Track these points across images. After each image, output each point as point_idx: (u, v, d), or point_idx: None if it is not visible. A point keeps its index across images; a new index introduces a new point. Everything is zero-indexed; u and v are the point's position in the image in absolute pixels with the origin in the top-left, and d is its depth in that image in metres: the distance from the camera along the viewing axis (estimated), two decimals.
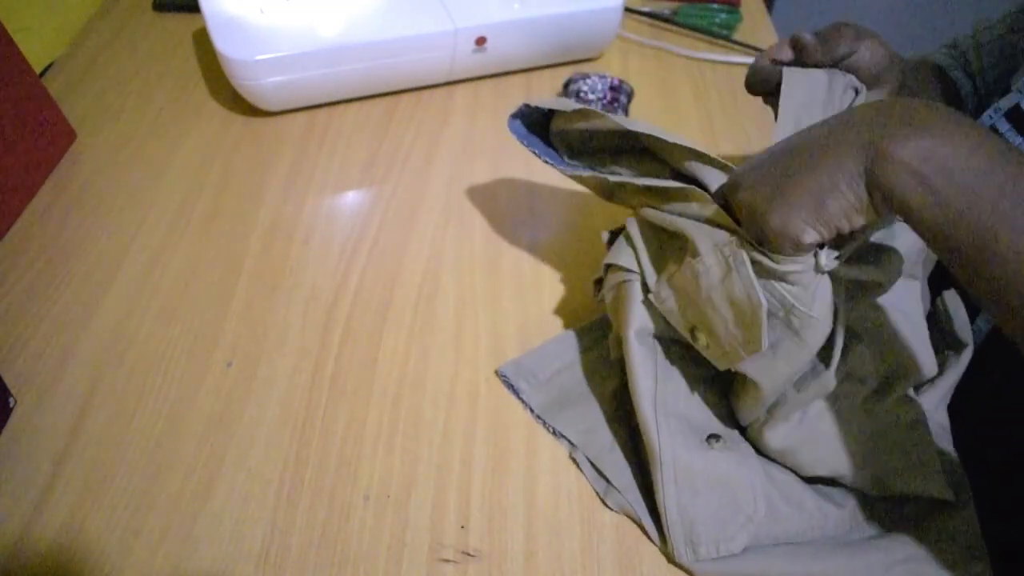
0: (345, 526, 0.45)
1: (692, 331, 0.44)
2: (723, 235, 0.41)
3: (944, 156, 0.32)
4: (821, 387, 0.42)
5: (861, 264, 0.42)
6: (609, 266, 0.50)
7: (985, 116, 0.54)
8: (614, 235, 0.53)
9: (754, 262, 0.39)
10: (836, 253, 0.39)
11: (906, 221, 0.34)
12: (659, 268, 0.46)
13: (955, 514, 0.46)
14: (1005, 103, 0.53)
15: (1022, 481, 0.50)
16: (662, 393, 0.46)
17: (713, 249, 0.40)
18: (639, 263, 0.47)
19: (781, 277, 0.39)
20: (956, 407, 0.51)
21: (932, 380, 0.50)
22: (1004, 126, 0.52)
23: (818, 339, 0.41)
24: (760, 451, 0.47)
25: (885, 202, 0.34)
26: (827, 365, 0.42)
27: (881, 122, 0.34)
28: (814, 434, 0.45)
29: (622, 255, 0.48)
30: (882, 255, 0.43)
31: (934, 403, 0.50)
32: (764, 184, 0.37)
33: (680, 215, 0.44)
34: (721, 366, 0.44)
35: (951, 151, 0.32)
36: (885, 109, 0.35)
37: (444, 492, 0.47)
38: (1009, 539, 0.47)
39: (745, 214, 0.39)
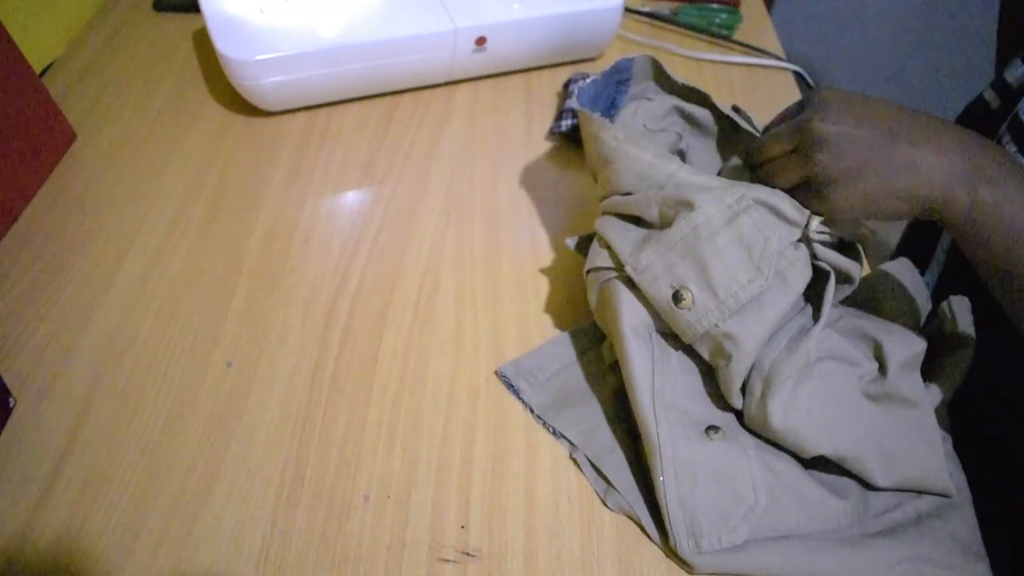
0: (345, 526, 0.45)
1: (676, 294, 0.45)
2: (722, 187, 0.44)
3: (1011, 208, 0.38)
4: (808, 346, 0.44)
5: (839, 253, 0.46)
6: (589, 272, 0.50)
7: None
8: (582, 241, 0.56)
9: (765, 206, 0.43)
10: (824, 228, 0.44)
11: (961, 240, 0.40)
12: (638, 243, 0.48)
13: (955, 514, 0.46)
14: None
15: (1021, 481, 0.50)
16: (660, 386, 0.46)
17: (713, 200, 0.44)
18: (615, 256, 0.48)
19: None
20: (954, 407, 0.51)
21: (932, 379, 0.50)
22: (1005, 138, 0.53)
23: (801, 282, 0.44)
24: (763, 436, 0.47)
25: (946, 226, 0.40)
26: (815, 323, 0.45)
27: (969, 168, 0.38)
28: (812, 412, 0.45)
29: (598, 257, 0.50)
30: (853, 251, 0.47)
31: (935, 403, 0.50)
32: (848, 158, 0.40)
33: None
34: (706, 324, 0.45)
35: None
36: (973, 155, 0.39)
37: (444, 492, 0.47)
38: (1009, 539, 0.47)
39: (810, 167, 0.41)
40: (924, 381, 0.50)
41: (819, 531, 0.45)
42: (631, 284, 0.48)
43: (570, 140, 0.74)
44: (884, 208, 0.41)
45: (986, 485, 0.49)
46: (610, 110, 0.58)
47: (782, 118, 0.46)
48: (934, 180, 0.39)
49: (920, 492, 0.47)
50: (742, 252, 0.43)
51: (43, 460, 0.47)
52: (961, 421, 0.51)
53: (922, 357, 0.47)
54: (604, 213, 0.51)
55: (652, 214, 0.47)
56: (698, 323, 0.45)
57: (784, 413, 0.44)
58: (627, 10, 0.89)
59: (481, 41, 0.75)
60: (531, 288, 0.60)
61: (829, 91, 0.42)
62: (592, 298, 0.51)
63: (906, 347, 0.47)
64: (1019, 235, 0.38)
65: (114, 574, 0.43)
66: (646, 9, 0.91)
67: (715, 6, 0.91)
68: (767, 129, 0.47)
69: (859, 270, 0.47)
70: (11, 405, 0.49)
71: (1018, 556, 0.46)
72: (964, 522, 0.46)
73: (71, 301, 0.56)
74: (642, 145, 0.49)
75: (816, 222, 0.44)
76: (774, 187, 0.45)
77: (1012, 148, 0.51)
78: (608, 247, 0.49)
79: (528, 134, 0.75)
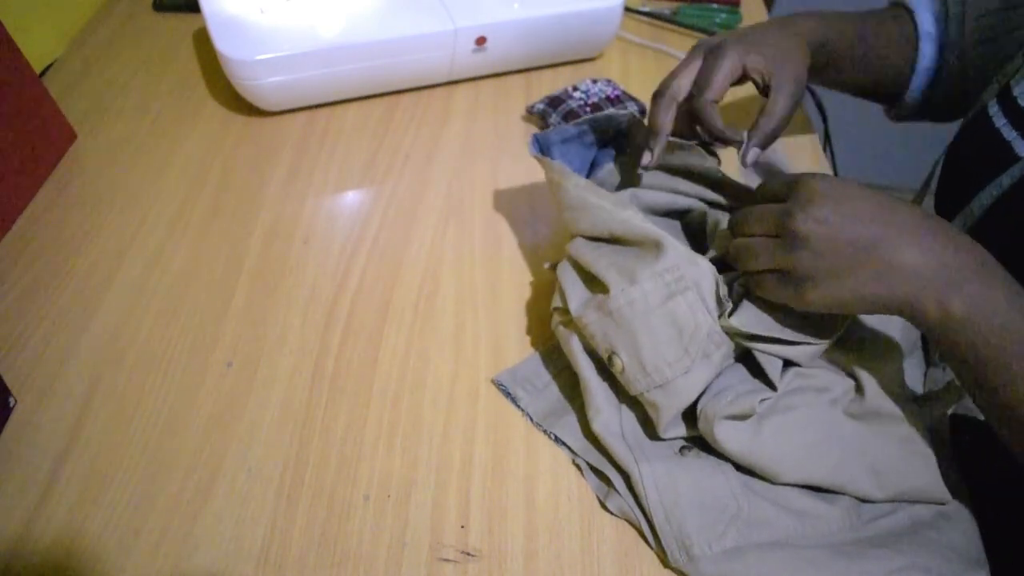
0: (345, 526, 0.45)
1: (609, 356, 0.47)
2: (666, 264, 0.44)
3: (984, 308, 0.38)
4: (752, 403, 0.45)
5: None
6: (554, 310, 0.52)
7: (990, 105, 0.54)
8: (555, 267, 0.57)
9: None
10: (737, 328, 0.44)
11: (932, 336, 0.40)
12: (587, 299, 0.49)
13: (953, 524, 0.46)
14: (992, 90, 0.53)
15: (1021, 487, 0.50)
16: (626, 423, 0.49)
17: (654, 276, 0.44)
18: (566, 307, 0.49)
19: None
20: (956, 414, 0.51)
21: (938, 390, 0.50)
22: (994, 108, 0.53)
23: (724, 360, 0.45)
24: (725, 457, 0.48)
25: (917, 323, 0.40)
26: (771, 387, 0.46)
27: (944, 277, 0.39)
28: (777, 446, 0.46)
29: (558, 298, 0.51)
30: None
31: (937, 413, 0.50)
32: (827, 261, 0.40)
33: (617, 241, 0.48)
34: (634, 390, 0.47)
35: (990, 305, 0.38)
36: (949, 262, 0.39)
37: (444, 492, 0.47)
38: (1009, 546, 0.47)
39: (788, 262, 0.41)
40: (926, 392, 0.50)
41: (812, 537, 0.45)
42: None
43: None
44: (856, 309, 0.42)
45: (986, 491, 0.48)
46: (590, 166, 0.57)
47: (769, 193, 0.45)
48: (907, 290, 0.39)
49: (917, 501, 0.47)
50: (673, 332, 0.44)
51: (43, 460, 0.47)
52: (961, 428, 0.51)
53: (892, 371, 0.47)
54: (567, 256, 0.52)
55: (605, 274, 0.47)
56: (628, 387, 0.47)
57: (738, 442, 0.45)
58: (627, 10, 0.89)
59: (481, 41, 0.75)
60: (531, 288, 0.60)
61: (816, 182, 0.41)
62: (556, 332, 0.52)
63: (878, 362, 0.47)
64: (985, 348, 0.38)
65: (114, 574, 0.43)
66: (646, 9, 0.91)
67: (715, 6, 0.91)
68: (758, 192, 0.47)
69: (777, 372, 0.46)
70: (11, 405, 0.49)
71: (1018, 564, 0.46)
72: (963, 531, 0.46)
73: (71, 301, 0.56)
74: (600, 194, 0.49)
75: (731, 320, 0.44)
76: (746, 266, 0.44)
77: (1001, 121, 0.52)
78: (563, 295, 0.50)
79: (528, 134, 0.75)
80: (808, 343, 0.44)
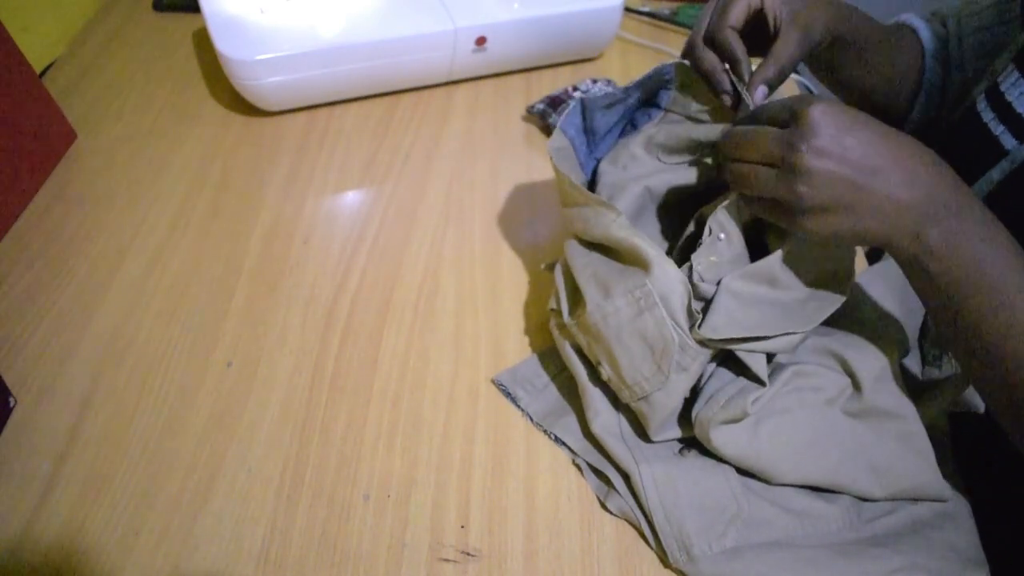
0: (345, 526, 0.45)
1: (597, 364, 0.48)
2: (636, 280, 0.44)
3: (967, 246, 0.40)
4: (744, 405, 0.44)
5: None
6: (552, 309, 0.53)
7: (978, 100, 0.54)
8: (550, 267, 0.57)
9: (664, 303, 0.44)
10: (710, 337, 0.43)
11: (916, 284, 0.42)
12: (571, 307, 0.50)
13: (952, 523, 0.46)
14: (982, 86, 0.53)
15: (1021, 487, 0.50)
16: (625, 425, 0.49)
17: (625, 292, 0.44)
18: (560, 312, 0.50)
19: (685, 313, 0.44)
20: (956, 413, 0.51)
21: (933, 388, 0.50)
22: (982, 104, 0.53)
23: (697, 369, 0.45)
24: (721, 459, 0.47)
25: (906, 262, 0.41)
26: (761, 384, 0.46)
27: (931, 213, 0.40)
28: (773, 448, 0.45)
29: (553, 299, 0.51)
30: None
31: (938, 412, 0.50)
32: (826, 195, 0.40)
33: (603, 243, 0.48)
34: (623, 398, 0.47)
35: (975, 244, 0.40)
36: (937, 196, 0.40)
37: (444, 492, 0.47)
38: (1009, 546, 0.47)
39: (786, 193, 0.41)
40: (926, 390, 0.50)
41: (813, 537, 0.45)
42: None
43: None
44: (849, 242, 0.43)
45: (986, 492, 0.48)
46: (622, 128, 0.55)
47: (767, 116, 0.43)
48: (895, 223, 0.40)
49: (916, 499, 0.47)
50: (645, 348, 0.44)
51: (43, 460, 0.47)
52: (961, 426, 0.51)
53: (888, 369, 0.47)
54: (562, 260, 0.52)
55: (585, 287, 0.47)
56: (619, 394, 0.48)
57: (734, 444, 0.45)
58: (627, 10, 0.89)
59: (481, 41, 0.75)
60: (531, 288, 0.60)
61: (822, 112, 0.39)
62: (553, 332, 0.53)
63: (874, 360, 0.47)
64: (958, 281, 0.40)
65: (114, 574, 0.43)
66: (646, 9, 0.91)
67: None
68: (752, 116, 0.45)
69: (763, 367, 0.46)
70: (11, 405, 0.49)
71: (1018, 563, 0.46)
72: (962, 531, 0.46)
73: (71, 301, 0.56)
74: (588, 194, 0.48)
75: (703, 333, 0.43)
76: (743, 191, 0.43)
77: (990, 115, 0.52)
78: (557, 296, 0.50)
79: (528, 134, 0.75)
80: (785, 334, 0.44)
